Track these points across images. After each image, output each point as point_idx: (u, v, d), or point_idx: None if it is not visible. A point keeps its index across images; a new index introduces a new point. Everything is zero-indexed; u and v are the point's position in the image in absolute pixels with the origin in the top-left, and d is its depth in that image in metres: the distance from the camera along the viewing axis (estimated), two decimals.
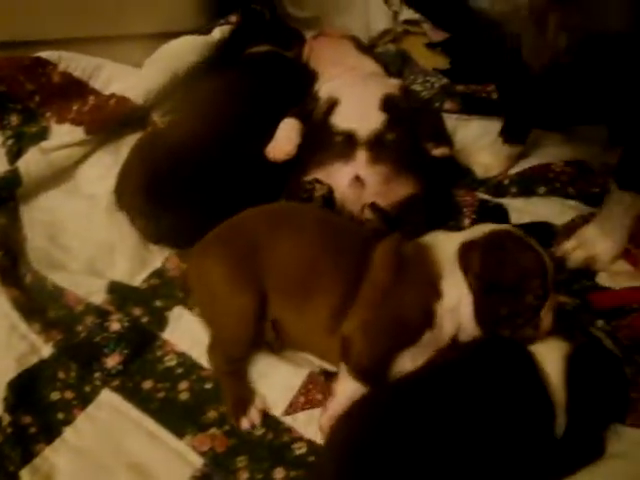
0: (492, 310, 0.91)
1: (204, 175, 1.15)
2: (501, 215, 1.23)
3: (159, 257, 1.18)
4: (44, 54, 1.36)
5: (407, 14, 1.68)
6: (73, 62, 1.36)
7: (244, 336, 0.96)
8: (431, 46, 1.62)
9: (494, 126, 1.37)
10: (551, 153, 1.36)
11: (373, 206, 1.09)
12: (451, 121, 1.39)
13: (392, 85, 1.27)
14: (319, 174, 1.14)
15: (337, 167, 1.14)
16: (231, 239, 0.99)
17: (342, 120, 1.19)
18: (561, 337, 0.91)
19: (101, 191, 1.25)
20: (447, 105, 1.42)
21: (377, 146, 1.15)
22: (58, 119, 1.35)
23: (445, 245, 0.96)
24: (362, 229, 1.07)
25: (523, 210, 1.25)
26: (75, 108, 1.36)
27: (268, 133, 1.21)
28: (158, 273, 1.16)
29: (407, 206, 1.12)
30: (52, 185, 1.27)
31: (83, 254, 1.18)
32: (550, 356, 0.89)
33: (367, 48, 1.41)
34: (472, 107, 1.42)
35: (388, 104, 1.21)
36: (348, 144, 1.15)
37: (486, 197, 1.27)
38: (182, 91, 1.31)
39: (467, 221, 1.22)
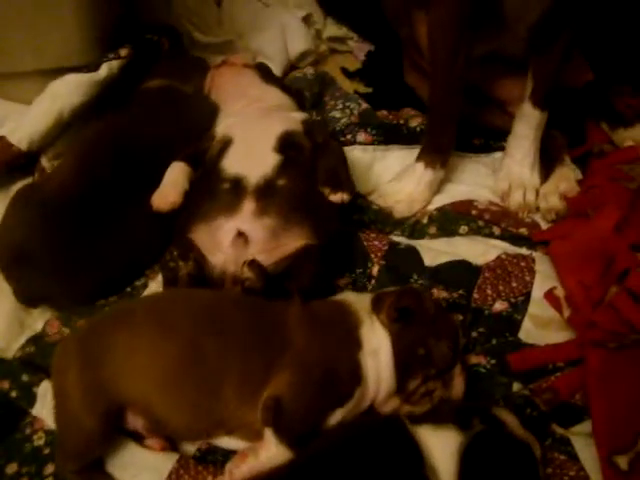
0: (409, 348, 0.88)
1: (81, 231, 1.05)
2: (413, 258, 1.13)
3: (40, 319, 1.08)
4: None
5: (331, 31, 1.57)
6: None
7: (91, 447, 0.87)
8: (348, 75, 1.52)
9: (413, 156, 1.27)
10: (471, 182, 1.28)
11: (252, 263, 0.97)
12: (368, 153, 1.30)
13: (294, 120, 1.16)
14: (201, 230, 1.04)
15: (220, 222, 1.03)
16: (88, 343, 0.88)
17: (232, 164, 1.08)
18: (455, 426, 0.81)
19: None
20: (361, 137, 1.31)
21: (266, 194, 1.04)
22: None
23: (358, 298, 0.96)
24: (258, 299, 0.95)
25: (442, 251, 1.15)
26: None
27: (158, 179, 1.11)
28: (37, 338, 1.06)
29: (296, 259, 1.01)
30: None
31: None
32: (441, 449, 0.80)
33: (273, 77, 1.30)
34: (389, 137, 1.31)
35: (285, 143, 1.10)
36: (235, 193, 1.04)
37: (398, 240, 1.16)
38: (69, 133, 1.21)
39: (376, 268, 1.12)
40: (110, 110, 1.21)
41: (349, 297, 0.96)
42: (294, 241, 1.03)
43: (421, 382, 0.89)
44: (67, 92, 1.18)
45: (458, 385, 0.91)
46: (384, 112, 1.40)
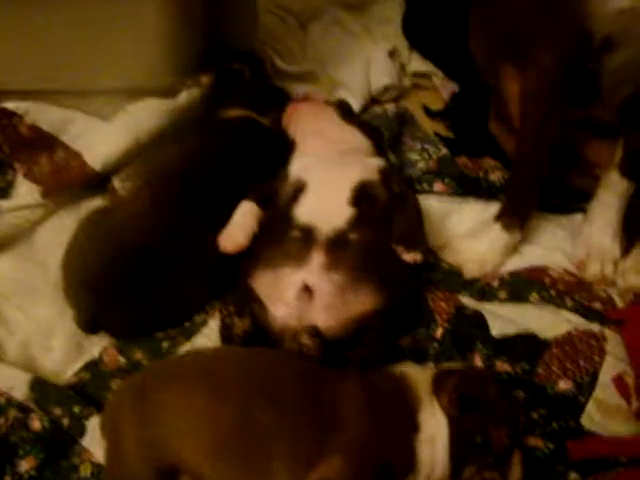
0: (467, 436, 0.85)
1: (148, 263, 1.06)
2: (479, 325, 1.09)
3: (98, 345, 1.09)
4: (10, 105, 1.28)
5: (416, 66, 1.52)
6: (41, 114, 1.28)
7: None
8: (430, 114, 1.47)
9: (490, 211, 1.23)
10: (547, 244, 1.22)
11: (312, 332, 0.95)
12: (443, 204, 1.26)
13: (371, 168, 1.12)
14: (266, 277, 1.02)
15: (286, 271, 1.00)
16: (142, 399, 0.87)
17: (304, 212, 1.06)
18: None
19: (54, 259, 1.15)
20: (437, 187, 1.26)
21: (336, 248, 1.01)
22: (26, 172, 1.26)
23: (419, 374, 0.92)
24: (314, 365, 0.93)
25: (510, 319, 1.11)
26: (43, 160, 1.27)
27: (228, 214, 1.10)
28: (92, 365, 1.07)
29: (360, 327, 0.98)
30: (7, 248, 1.20)
31: (21, 332, 1.11)
32: None
33: (353, 117, 1.26)
34: (467, 188, 1.26)
35: (360, 196, 1.07)
36: (305, 242, 1.02)
37: (466, 302, 1.12)
38: (143, 157, 1.21)
39: (440, 331, 1.09)
40: (186, 136, 1.20)
41: (410, 371, 0.93)
42: (361, 303, 1.00)
43: (477, 470, 0.85)
44: (145, 116, 1.19)
45: (515, 474, 0.87)
46: (463, 159, 1.34)
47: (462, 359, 1.05)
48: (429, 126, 1.43)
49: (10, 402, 1.00)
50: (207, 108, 1.24)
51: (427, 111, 1.47)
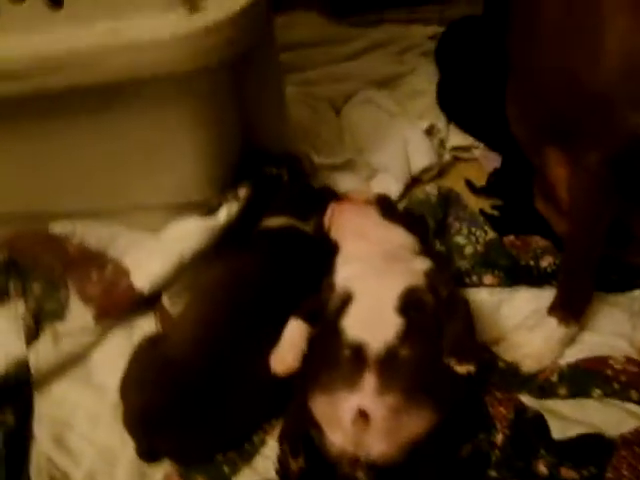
0: None
1: (201, 387, 1.06)
2: (541, 429, 1.05)
3: (160, 471, 1.10)
4: (58, 227, 1.32)
5: (455, 140, 1.49)
6: (88, 233, 1.32)
7: None
8: (474, 190, 1.44)
9: (544, 298, 1.19)
10: (606, 330, 1.17)
11: (367, 468, 0.94)
12: (494, 296, 1.23)
13: (417, 272, 1.10)
14: (321, 401, 1.00)
15: (341, 396, 0.98)
16: None
17: (352, 326, 1.04)
18: None
19: (111, 381, 1.16)
20: (487, 279, 1.23)
21: (388, 367, 0.99)
22: (78, 290, 1.29)
23: None
24: None
25: (572, 419, 1.07)
26: (94, 278, 1.30)
27: (278, 331, 1.09)
28: None
29: (418, 448, 0.96)
30: (63, 373, 1.23)
31: (85, 461, 1.12)
32: None
33: (395, 214, 1.24)
34: (517, 277, 1.23)
35: (408, 303, 1.05)
36: (356, 363, 1.00)
37: (526, 401, 1.09)
38: (189, 276, 1.23)
39: (500, 437, 1.05)
40: (228, 254, 1.21)
41: None
42: (416, 423, 0.98)
43: None
44: (187, 237, 1.20)
45: None
46: (511, 238, 1.31)
47: (525, 466, 1.02)
48: (474, 203, 1.41)
49: None
50: (247, 221, 1.24)
51: (470, 186, 1.44)
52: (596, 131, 0.97)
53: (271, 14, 1.08)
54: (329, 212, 1.25)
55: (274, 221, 1.23)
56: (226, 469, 1.08)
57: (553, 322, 1.14)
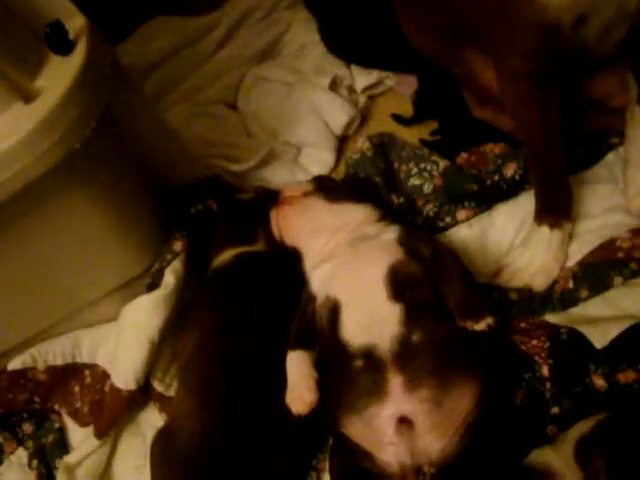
0: None
1: (233, 467, 0.97)
2: (581, 345, 0.98)
3: None
4: (17, 362, 1.19)
5: (363, 81, 1.37)
6: (49, 353, 1.20)
7: None
8: (403, 122, 1.32)
9: (524, 205, 1.12)
10: (598, 210, 1.10)
11: (437, 470, 0.87)
12: (476, 226, 1.13)
13: (390, 246, 1.01)
14: (354, 424, 0.92)
15: (373, 411, 0.90)
16: None
17: (352, 333, 0.95)
18: None
19: None
20: (461, 215, 1.13)
21: (408, 359, 0.90)
22: (69, 412, 1.21)
23: (559, 455, 0.82)
24: None
25: (603, 316, 1.00)
26: (77, 389, 1.21)
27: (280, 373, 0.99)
28: None
29: (475, 426, 0.89)
30: None
31: None
32: None
33: (339, 192, 1.12)
34: (489, 198, 1.13)
35: (397, 285, 0.96)
36: (373, 370, 0.91)
37: (554, 320, 1.02)
38: (165, 352, 1.13)
39: (545, 369, 0.99)
40: (195, 315, 1.10)
41: (549, 458, 0.82)
42: (461, 402, 0.90)
43: None
44: (147, 317, 1.08)
45: None
46: (464, 156, 1.21)
47: (582, 388, 0.96)
48: (410, 136, 1.29)
49: None
50: (198, 269, 1.14)
51: (399, 120, 1.33)
52: (506, 27, 0.87)
53: (114, 56, 0.94)
54: (273, 221, 1.13)
55: (222, 257, 1.13)
56: None
57: (545, 230, 1.06)
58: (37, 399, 1.22)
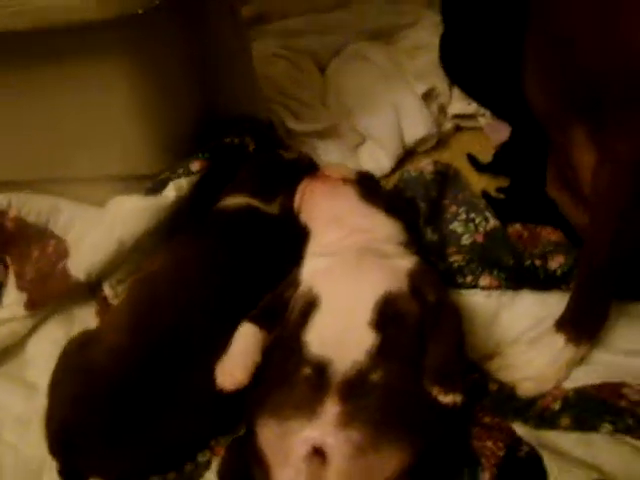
0: None
1: (133, 402, 0.89)
2: (535, 472, 0.85)
3: None
4: None
5: (458, 107, 1.28)
6: (26, 206, 1.14)
7: None
8: (477, 166, 1.22)
9: (550, 306, 1.00)
10: (623, 346, 0.98)
11: None
12: (492, 299, 1.03)
13: (398, 274, 0.91)
14: (270, 428, 0.83)
15: (294, 426, 0.81)
16: None
17: (317, 338, 0.86)
18: None
19: (43, 381, 0.99)
20: (484, 281, 1.03)
21: (355, 394, 0.81)
22: (16, 271, 1.14)
23: None
24: None
25: (573, 458, 0.88)
26: (35, 254, 1.14)
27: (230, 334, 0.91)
28: None
29: None
30: None
31: (6, 475, 0.99)
32: None
33: (377, 197, 1.03)
34: (521, 279, 1.03)
35: (385, 315, 0.86)
36: (317, 386, 0.82)
37: (518, 434, 0.91)
38: (133, 259, 1.05)
39: (486, 475, 0.87)
40: (175, 241, 1.02)
41: None
42: (386, 464, 0.80)
43: None
44: (128, 219, 1.01)
45: None
46: (517, 227, 1.11)
47: None
48: (476, 182, 1.20)
49: None
50: (203, 199, 1.05)
51: (473, 162, 1.23)
52: (633, 114, 0.76)
53: None
54: (300, 190, 1.05)
55: (231, 201, 1.04)
56: None
57: (560, 340, 0.95)
58: None
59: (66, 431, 0.91)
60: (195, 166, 1.03)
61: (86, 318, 1.10)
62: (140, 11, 0.77)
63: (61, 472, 0.93)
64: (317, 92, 1.28)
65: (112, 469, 0.94)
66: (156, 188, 1.02)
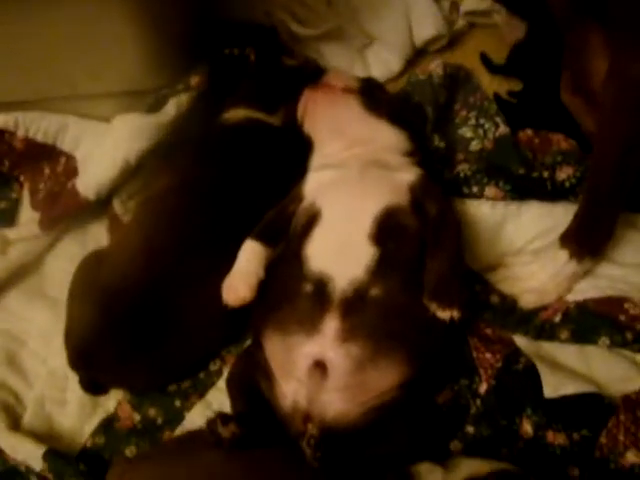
0: None
1: (146, 316, 0.93)
2: (530, 385, 0.88)
3: (112, 399, 1.02)
4: None
5: (471, 3, 1.18)
6: (33, 125, 1.14)
7: None
8: (490, 67, 1.16)
9: (556, 217, 0.99)
10: (628, 260, 0.96)
11: (325, 428, 0.80)
12: (498, 210, 1.00)
13: (399, 187, 0.91)
14: (276, 342, 0.87)
15: (297, 340, 0.85)
16: None
17: (317, 253, 0.88)
18: None
19: (63, 294, 1.04)
20: (490, 191, 1.00)
21: (354, 310, 0.84)
22: (30, 188, 1.17)
23: None
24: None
25: (570, 370, 0.90)
26: (47, 171, 1.16)
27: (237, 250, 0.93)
28: (107, 423, 1.00)
29: (384, 409, 0.82)
30: (15, 284, 1.13)
31: (36, 383, 1.06)
32: None
33: (381, 105, 1.00)
34: (527, 190, 1.00)
35: (385, 229, 0.87)
36: (317, 301, 0.85)
37: (517, 346, 0.93)
38: (142, 176, 1.06)
39: (484, 386, 0.91)
40: (179, 156, 1.02)
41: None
42: (384, 378, 0.84)
43: None
44: (130, 137, 1.01)
45: None
46: (529, 133, 1.07)
47: (508, 424, 0.88)
48: (488, 84, 1.14)
49: (29, 470, 0.96)
50: (202, 114, 1.03)
51: (486, 63, 1.17)
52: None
53: None
54: (302, 100, 1.03)
55: (234, 114, 1.03)
56: (178, 403, 1.00)
57: (564, 255, 0.94)
58: (7, 162, 1.17)
59: (84, 348, 0.96)
60: (194, 81, 1.01)
61: (99, 233, 1.13)
62: None
63: (82, 383, 1.00)
64: None
65: (130, 381, 1.00)
66: (157, 105, 1.01)
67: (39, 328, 1.10)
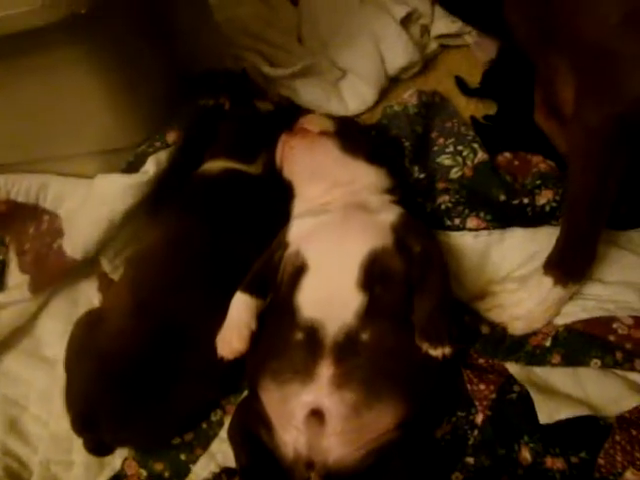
0: None
1: (144, 376, 0.93)
2: (525, 413, 0.89)
3: (118, 455, 1.02)
4: None
5: (441, 27, 1.19)
6: (15, 186, 1.14)
7: None
8: (464, 90, 1.16)
9: (539, 241, 1.00)
10: (615, 277, 0.97)
11: (328, 473, 0.82)
12: (481, 239, 1.02)
13: (382, 229, 0.92)
14: (272, 392, 0.87)
15: (293, 389, 0.85)
16: None
17: (307, 301, 0.89)
18: None
19: (60, 353, 1.05)
20: (472, 222, 1.01)
21: (346, 355, 0.85)
22: (16, 249, 1.17)
23: None
24: None
25: (563, 395, 0.91)
26: (31, 231, 1.16)
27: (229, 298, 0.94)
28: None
29: (384, 449, 0.83)
30: (10, 347, 1.13)
31: (40, 447, 1.05)
32: None
33: (358, 146, 1.00)
34: (508, 217, 1.01)
35: (371, 273, 0.88)
36: (310, 349, 0.86)
37: (510, 374, 0.93)
38: (127, 236, 1.06)
39: (480, 417, 0.92)
40: (162, 213, 1.03)
41: None
42: (381, 420, 0.84)
43: None
44: (114, 197, 1.01)
45: None
46: (507, 156, 1.08)
47: (506, 452, 0.89)
48: (464, 107, 1.15)
49: None
50: (182, 168, 1.04)
51: (462, 86, 1.17)
52: (598, 87, 0.74)
53: None
54: (279, 146, 1.03)
55: (212, 165, 1.03)
56: (183, 456, 1.00)
57: (548, 282, 0.95)
58: None
59: (85, 413, 0.96)
60: (171, 137, 1.01)
61: (90, 290, 1.13)
62: (83, 11, 0.73)
63: (86, 446, 1.00)
64: (290, 28, 1.21)
65: (134, 440, 1.00)
66: (136, 163, 1.02)
67: (38, 390, 1.10)
